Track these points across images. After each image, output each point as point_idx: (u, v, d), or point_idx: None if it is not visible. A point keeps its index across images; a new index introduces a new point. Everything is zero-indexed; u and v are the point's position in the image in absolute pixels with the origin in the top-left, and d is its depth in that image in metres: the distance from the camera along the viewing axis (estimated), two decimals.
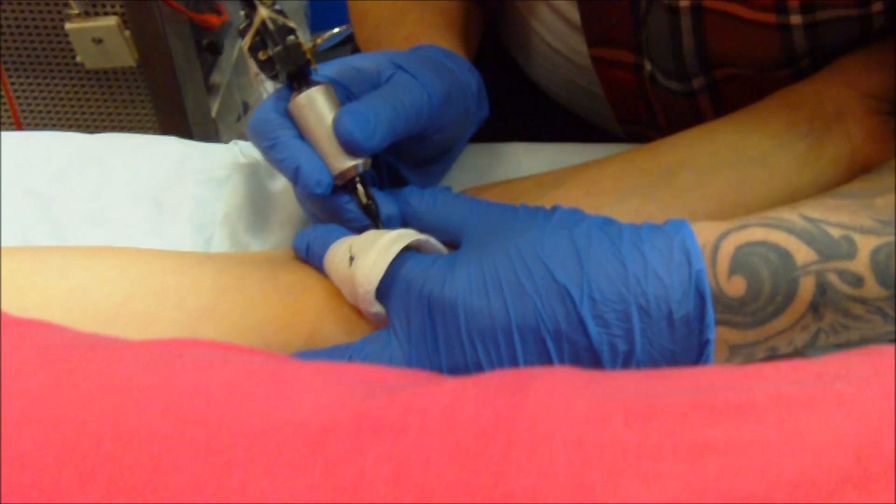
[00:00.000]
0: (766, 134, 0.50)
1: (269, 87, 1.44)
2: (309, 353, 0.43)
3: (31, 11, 1.18)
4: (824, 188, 0.48)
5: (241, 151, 0.63)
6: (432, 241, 0.45)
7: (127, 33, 1.16)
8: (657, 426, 0.25)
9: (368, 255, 0.42)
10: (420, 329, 0.41)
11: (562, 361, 0.39)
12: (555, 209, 0.43)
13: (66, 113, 1.29)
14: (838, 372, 0.28)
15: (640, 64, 0.61)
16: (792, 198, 0.48)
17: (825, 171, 0.49)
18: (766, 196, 0.48)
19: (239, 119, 1.43)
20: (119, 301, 0.44)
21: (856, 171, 0.49)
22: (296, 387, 0.28)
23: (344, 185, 0.47)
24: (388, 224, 0.48)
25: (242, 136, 1.42)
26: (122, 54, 1.17)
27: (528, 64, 0.75)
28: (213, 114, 1.33)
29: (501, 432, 0.26)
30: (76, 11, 1.15)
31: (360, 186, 0.47)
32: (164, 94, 1.21)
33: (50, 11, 1.17)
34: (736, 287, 0.39)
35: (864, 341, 0.43)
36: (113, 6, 1.15)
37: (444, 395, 0.27)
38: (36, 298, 0.44)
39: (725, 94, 0.59)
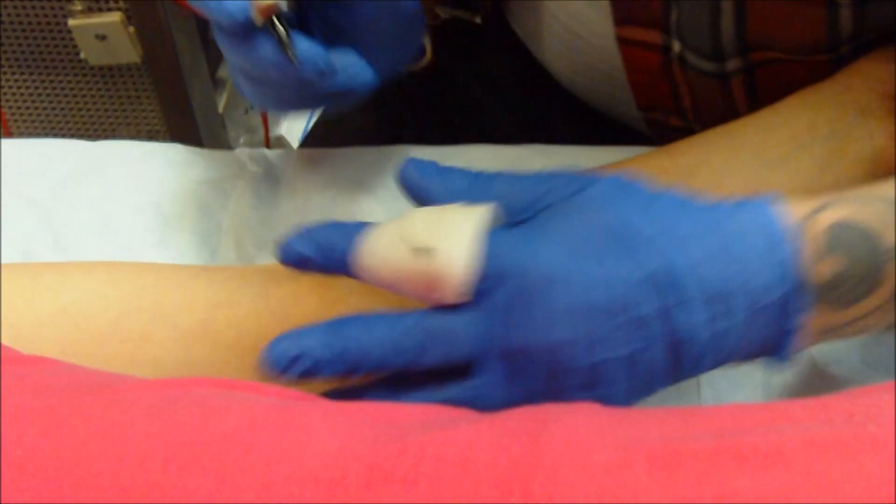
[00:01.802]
0: (787, 135, 0.48)
1: None
2: (368, 317, 0.39)
3: (33, 8, 1.16)
4: None
5: (249, 158, 0.61)
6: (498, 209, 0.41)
7: (131, 29, 1.15)
8: (682, 475, 0.24)
9: (455, 242, 0.37)
10: (495, 304, 0.38)
11: (646, 346, 0.36)
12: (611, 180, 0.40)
13: (70, 110, 1.28)
14: (869, 411, 0.27)
15: (668, 45, 0.59)
16: None
17: (846, 173, 0.48)
18: None
19: (247, 112, 1.42)
20: (113, 319, 0.43)
21: (878, 174, 0.48)
22: (303, 433, 0.27)
23: (264, 27, 0.46)
24: (310, 66, 0.47)
25: (250, 131, 1.41)
26: (126, 50, 1.16)
27: (540, 49, 0.73)
28: (221, 109, 1.32)
29: (519, 483, 0.25)
30: (79, 8, 1.14)
31: (278, 24, 0.46)
32: (169, 90, 1.19)
33: (52, 8, 1.16)
34: (827, 269, 0.37)
35: None
36: (116, 2, 1.13)
37: (459, 440, 0.26)
38: (30, 317, 0.44)
39: (760, 78, 0.58)
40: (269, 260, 0.56)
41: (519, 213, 0.41)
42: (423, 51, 0.58)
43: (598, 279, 0.36)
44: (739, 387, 0.49)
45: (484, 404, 0.37)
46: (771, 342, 0.37)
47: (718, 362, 0.38)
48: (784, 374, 0.49)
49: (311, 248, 0.40)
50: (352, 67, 0.51)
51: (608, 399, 0.36)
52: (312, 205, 0.58)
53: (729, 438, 0.26)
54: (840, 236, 0.37)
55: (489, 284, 0.37)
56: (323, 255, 0.40)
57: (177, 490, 0.25)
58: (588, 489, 0.24)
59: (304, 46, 0.47)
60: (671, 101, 0.64)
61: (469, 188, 0.42)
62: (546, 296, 0.36)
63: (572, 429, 0.26)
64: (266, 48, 0.47)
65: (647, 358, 0.36)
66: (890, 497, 0.23)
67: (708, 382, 0.50)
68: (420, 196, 0.43)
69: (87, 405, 0.28)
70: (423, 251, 0.37)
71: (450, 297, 0.37)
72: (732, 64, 0.58)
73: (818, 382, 0.46)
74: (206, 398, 0.29)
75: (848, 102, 0.49)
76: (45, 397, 0.29)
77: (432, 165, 0.43)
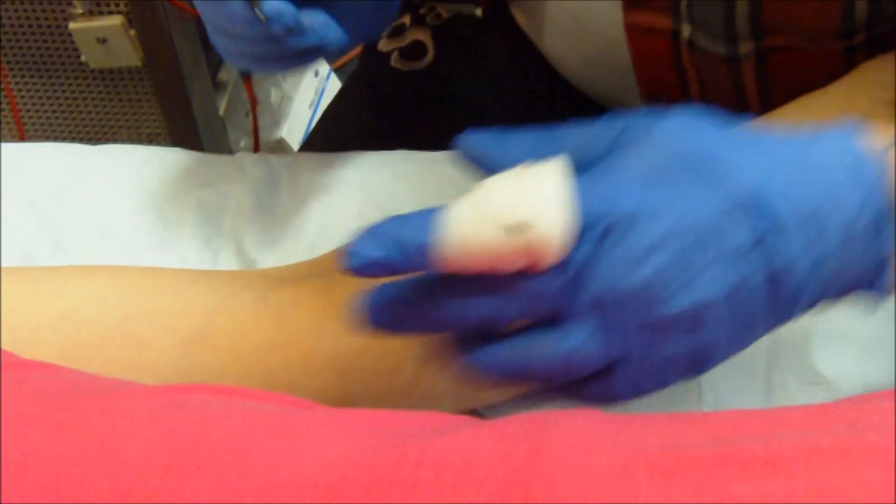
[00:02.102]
0: None
1: (273, 92, 1.42)
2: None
3: (34, 11, 1.16)
4: None
5: (250, 161, 0.61)
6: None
7: (132, 32, 1.14)
8: (682, 483, 0.24)
9: (549, 209, 0.34)
10: (581, 252, 0.35)
11: (743, 280, 0.35)
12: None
13: (70, 113, 1.28)
14: (870, 419, 0.27)
15: (677, 30, 0.59)
16: None
17: None
18: None
19: (247, 115, 1.42)
20: (113, 323, 0.44)
21: None
22: (303, 440, 0.27)
23: None
24: (278, 23, 0.48)
25: (251, 134, 1.41)
26: (127, 54, 1.16)
27: (541, 37, 0.72)
28: (221, 112, 1.32)
29: (519, 489, 0.25)
30: (80, 11, 1.14)
31: None
32: (170, 93, 1.19)
33: (53, 11, 1.16)
34: None
35: None
36: (117, 5, 1.13)
37: (459, 446, 0.26)
38: (30, 321, 0.44)
39: (771, 66, 0.57)
40: (269, 264, 0.56)
41: (590, 165, 0.38)
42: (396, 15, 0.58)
43: (684, 209, 0.34)
44: (740, 390, 0.49)
45: (580, 362, 0.35)
46: (867, 273, 0.36)
47: (815, 299, 0.36)
48: (785, 379, 0.49)
49: (384, 248, 0.35)
50: (322, 29, 0.52)
51: (710, 349, 0.35)
52: (313, 208, 0.58)
53: (730, 445, 0.26)
54: None
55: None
56: (400, 253, 0.35)
57: (176, 496, 0.25)
58: (588, 495, 0.24)
59: (273, 4, 0.48)
60: (678, 90, 0.64)
61: (534, 148, 0.39)
62: (632, 232, 0.34)
63: (572, 434, 0.26)
64: (235, 3, 0.48)
65: (745, 296, 0.35)
66: None
67: (709, 386, 0.50)
68: (489, 168, 0.39)
69: (88, 411, 0.28)
70: (516, 228, 0.34)
71: (549, 264, 0.35)
72: (745, 47, 0.57)
73: (819, 389, 0.46)
74: (206, 405, 0.29)
75: (850, 109, 0.49)
76: (45, 402, 0.29)
77: (488, 135, 0.40)
